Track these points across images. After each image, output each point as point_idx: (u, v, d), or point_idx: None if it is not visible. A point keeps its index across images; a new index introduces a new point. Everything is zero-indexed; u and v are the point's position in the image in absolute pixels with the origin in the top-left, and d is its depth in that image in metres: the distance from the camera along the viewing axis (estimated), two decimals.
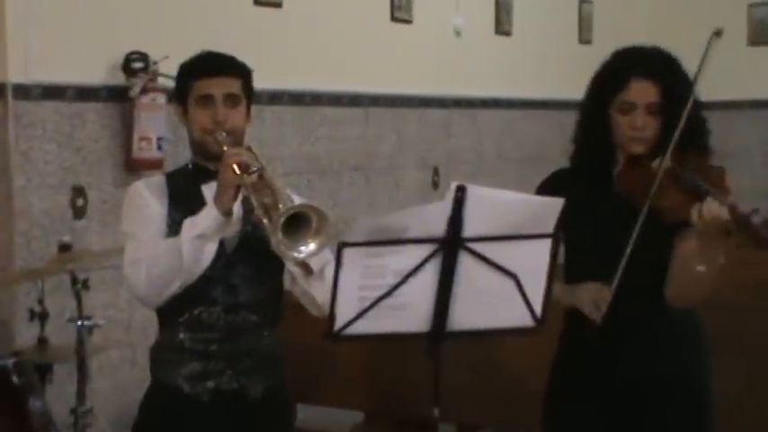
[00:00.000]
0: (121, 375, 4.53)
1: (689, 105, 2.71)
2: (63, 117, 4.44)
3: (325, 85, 5.81)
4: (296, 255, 2.54)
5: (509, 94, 7.35)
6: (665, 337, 2.84)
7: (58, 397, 3.72)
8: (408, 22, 6.44)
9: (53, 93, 4.40)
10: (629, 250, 2.70)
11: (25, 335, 4.00)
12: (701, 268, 2.66)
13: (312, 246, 2.53)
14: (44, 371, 3.66)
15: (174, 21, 4.85)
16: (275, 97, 5.43)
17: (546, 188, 2.93)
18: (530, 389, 3.01)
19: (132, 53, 4.60)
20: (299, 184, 5.65)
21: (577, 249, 2.87)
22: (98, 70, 4.56)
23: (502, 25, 7.29)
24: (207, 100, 2.79)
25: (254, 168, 2.60)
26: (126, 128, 4.60)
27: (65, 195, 4.43)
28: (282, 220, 2.48)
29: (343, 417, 4.71)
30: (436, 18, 6.67)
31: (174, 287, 2.69)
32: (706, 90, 2.81)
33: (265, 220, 2.55)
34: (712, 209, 2.56)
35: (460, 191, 2.33)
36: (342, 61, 5.90)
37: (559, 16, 7.98)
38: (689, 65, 2.83)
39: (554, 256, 2.44)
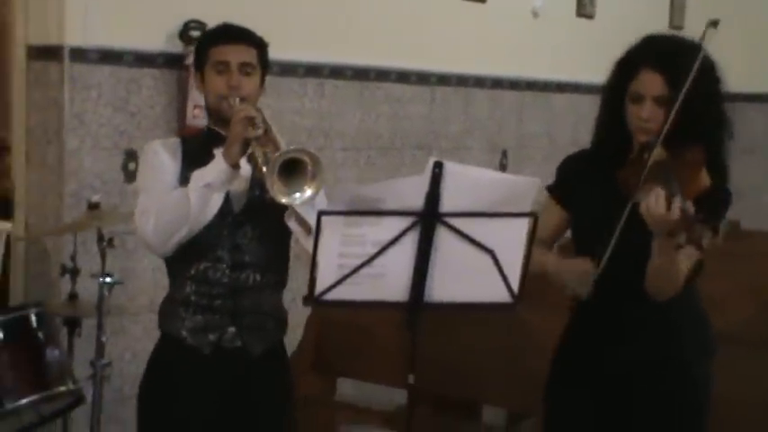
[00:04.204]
0: (143, 333, 4.71)
1: (680, 96, 2.79)
2: (119, 81, 4.69)
3: (391, 61, 5.97)
4: (289, 200, 2.75)
5: (588, 79, 7.38)
6: (658, 325, 2.96)
7: (84, 350, 4.01)
8: (482, 1, 6.51)
9: (110, 57, 4.66)
10: (613, 239, 2.82)
11: (63, 289, 4.29)
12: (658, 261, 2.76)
13: (308, 191, 2.74)
14: (73, 325, 3.98)
15: None
16: (336, 71, 5.59)
17: (563, 168, 3.20)
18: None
19: (191, 21, 4.83)
20: (359, 160, 5.86)
21: (580, 231, 3.05)
22: (156, 37, 4.80)
23: (584, 7, 7.30)
24: (223, 66, 3.04)
25: (261, 124, 2.85)
26: (181, 95, 4.83)
27: (117, 159, 4.70)
28: (279, 162, 2.69)
29: (386, 393, 4.87)
30: None
31: (181, 235, 2.95)
32: None
33: (264, 168, 2.76)
34: (656, 206, 2.63)
35: (438, 167, 2.53)
36: (409, 38, 6.03)
37: None
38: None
39: (531, 234, 2.61)
